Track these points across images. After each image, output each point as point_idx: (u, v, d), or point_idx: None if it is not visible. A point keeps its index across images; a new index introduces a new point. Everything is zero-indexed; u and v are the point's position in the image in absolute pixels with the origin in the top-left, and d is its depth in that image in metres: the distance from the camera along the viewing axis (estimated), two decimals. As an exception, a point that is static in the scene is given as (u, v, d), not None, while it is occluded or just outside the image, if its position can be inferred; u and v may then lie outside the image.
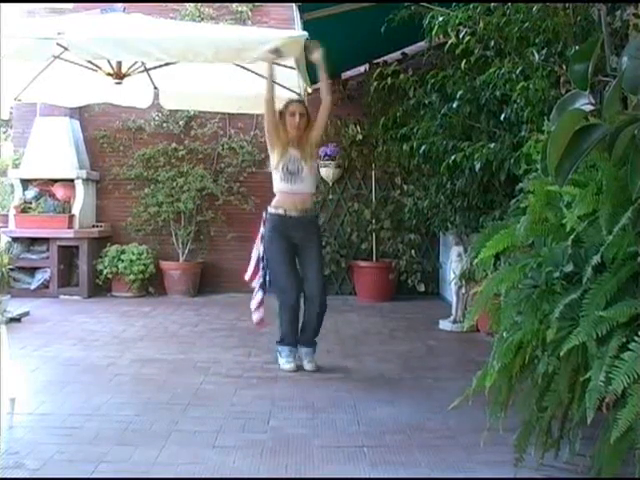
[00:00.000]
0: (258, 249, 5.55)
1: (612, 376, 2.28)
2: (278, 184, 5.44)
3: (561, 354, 2.52)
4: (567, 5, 4.31)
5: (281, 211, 5.37)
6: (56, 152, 9.28)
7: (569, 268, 2.67)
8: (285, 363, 5.46)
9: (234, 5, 9.83)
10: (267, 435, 3.90)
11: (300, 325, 5.53)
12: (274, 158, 5.46)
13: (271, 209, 5.43)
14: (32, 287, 9.12)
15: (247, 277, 5.63)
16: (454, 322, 7.18)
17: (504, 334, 2.90)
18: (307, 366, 5.47)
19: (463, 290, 7.13)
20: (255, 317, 5.60)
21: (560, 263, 2.71)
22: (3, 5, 7.45)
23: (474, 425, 3.70)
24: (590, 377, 2.37)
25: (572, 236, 2.67)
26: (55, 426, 3.99)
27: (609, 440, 2.31)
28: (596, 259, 2.51)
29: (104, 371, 5.29)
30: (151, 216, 9.63)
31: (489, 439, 3.21)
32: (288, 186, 5.38)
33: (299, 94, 6.84)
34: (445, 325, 7.25)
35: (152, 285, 9.48)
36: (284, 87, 6.91)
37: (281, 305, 5.47)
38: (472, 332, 6.44)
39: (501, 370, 2.87)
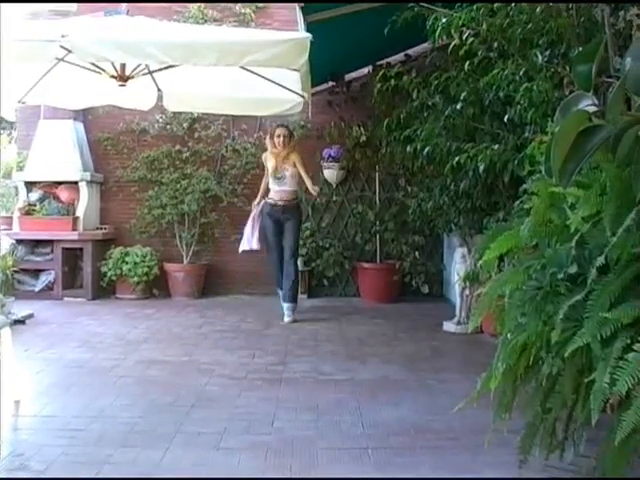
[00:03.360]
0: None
1: (616, 377, 2.28)
2: (271, 184, 7.94)
3: (565, 355, 2.51)
4: (570, 6, 4.31)
5: (271, 201, 7.90)
6: (60, 154, 9.29)
7: (573, 269, 2.67)
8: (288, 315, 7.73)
9: (237, 7, 9.83)
10: (271, 437, 3.90)
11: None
12: (267, 169, 8.01)
13: (267, 199, 7.96)
14: (36, 289, 9.13)
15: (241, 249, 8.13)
16: (458, 323, 7.18)
17: (508, 335, 2.90)
18: (285, 319, 7.66)
19: (467, 291, 7.13)
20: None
21: (564, 264, 2.71)
22: (6, 7, 7.45)
23: (478, 427, 3.70)
24: (594, 378, 2.37)
25: (576, 237, 2.66)
26: (59, 428, 4.00)
27: (614, 442, 2.30)
28: (600, 260, 2.50)
29: (108, 373, 5.30)
30: (155, 218, 9.64)
31: (493, 441, 3.21)
32: (276, 186, 7.87)
33: (302, 96, 6.85)
34: (449, 326, 7.24)
35: (156, 287, 9.49)
36: (288, 89, 6.93)
37: (269, 260, 8.23)
38: (476, 334, 6.43)
39: (506, 372, 2.87)
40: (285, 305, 7.78)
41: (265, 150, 8.07)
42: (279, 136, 7.81)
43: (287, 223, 7.88)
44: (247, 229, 8.05)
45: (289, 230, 7.89)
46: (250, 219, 8.09)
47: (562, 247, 2.78)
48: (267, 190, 8.03)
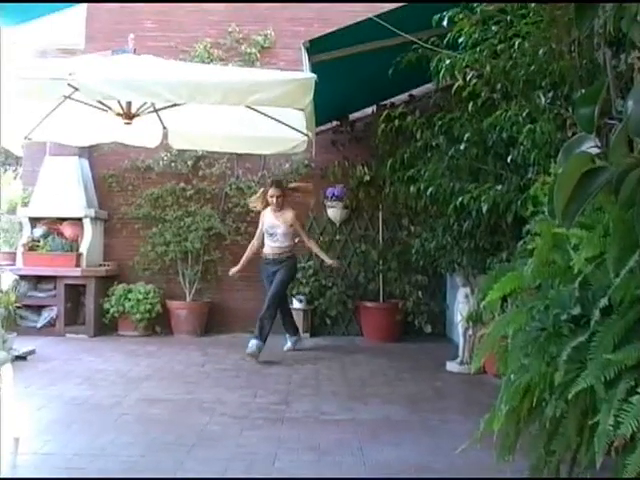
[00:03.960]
0: None
1: (621, 420, 2.26)
2: (266, 239, 8.11)
3: (569, 397, 2.50)
4: (572, 48, 4.35)
5: (264, 255, 8.12)
6: (65, 191, 9.33)
7: (576, 311, 2.66)
8: (255, 349, 7.53)
9: (243, 47, 9.93)
10: (273, 477, 3.87)
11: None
12: (262, 224, 8.16)
13: (262, 254, 8.17)
14: (38, 325, 9.11)
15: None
16: (461, 364, 7.14)
17: (511, 376, 2.89)
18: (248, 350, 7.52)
19: (470, 332, 7.10)
20: None
21: (567, 305, 2.71)
22: (15, 44, 7.54)
23: (481, 468, 3.67)
24: (598, 421, 2.35)
25: (579, 278, 2.66)
26: (60, 466, 3.97)
27: (618, 485, 2.29)
28: (603, 302, 2.50)
29: (110, 410, 5.27)
30: (158, 255, 9.64)
31: (497, 483, 3.19)
32: (270, 242, 8.07)
33: (306, 135, 6.89)
34: (452, 367, 7.21)
35: (159, 324, 9.46)
36: (292, 128, 6.97)
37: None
38: (479, 374, 6.40)
39: (509, 413, 2.85)
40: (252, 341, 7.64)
41: (266, 205, 8.16)
42: (272, 197, 8.01)
43: (277, 273, 8.01)
44: None
45: (277, 276, 7.99)
46: None
47: (565, 288, 2.78)
48: (256, 252, 8.25)
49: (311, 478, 3.33)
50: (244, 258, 8.29)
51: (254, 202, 8.37)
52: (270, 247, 8.07)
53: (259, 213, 8.20)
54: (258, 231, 8.25)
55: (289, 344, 8.33)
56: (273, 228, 8.02)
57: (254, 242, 8.29)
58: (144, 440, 4.52)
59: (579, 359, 2.54)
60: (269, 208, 8.10)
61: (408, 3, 6.26)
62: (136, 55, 7.17)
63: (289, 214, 8.03)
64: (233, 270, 8.34)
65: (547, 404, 2.75)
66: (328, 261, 8.34)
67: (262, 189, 8.44)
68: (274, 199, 7.98)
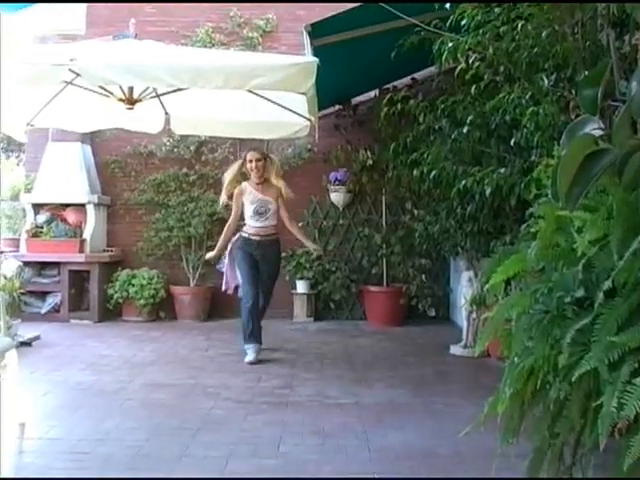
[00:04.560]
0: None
1: (624, 401, 2.26)
2: (248, 220, 6.88)
3: (573, 380, 2.50)
4: (576, 30, 4.32)
5: (246, 234, 6.87)
6: (68, 177, 9.33)
7: (580, 293, 2.66)
8: (253, 355, 6.61)
9: (244, 31, 9.90)
10: (277, 461, 3.88)
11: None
12: (243, 204, 6.92)
13: (242, 232, 6.93)
14: (43, 311, 9.14)
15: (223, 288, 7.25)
16: (465, 347, 7.15)
17: (515, 359, 2.88)
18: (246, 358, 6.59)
19: (474, 315, 7.10)
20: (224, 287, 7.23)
21: (571, 288, 2.70)
22: (15, 30, 7.52)
23: (485, 451, 3.67)
24: (602, 403, 2.35)
25: (583, 261, 2.65)
26: (65, 451, 3.99)
27: (622, 467, 2.28)
28: (607, 284, 2.49)
29: (114, 396, 5.29)
30: (162, 241, 9.66)
31: (501, 465, 3.19)
32: (255, 222, 6.82)
33: (309, 119, 6.86)
34: (456, 350, 7.22)
35: (163, 310, 9.49)
36: (295, 112, 6.95)
37: (243, 306, 6.80)
38: (483, 357, 6.40)
39: (513, 396, 2.85)
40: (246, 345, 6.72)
41: (238, 182, 6.99)
42: (251, 161, 6.81)
43: (265, 263, 6.86)
44: (227, 270, 7.15)
45: (266, 268, 6.90)
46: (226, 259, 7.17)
47: (569, 271, 2.77)
48: (231, 237, 7.05)
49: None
50: (221, 242, 7.10)
51: (229, 185, 6.93)
52: (255, 228, 6.79)
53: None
54: (233, 215, 6.97)
55: (253, 354, 6.66)
56: (263, 205, 6.78)
57: (231, 225, 7.01)
58: (149, 425, 4.54)
59: (583, 341, 2.54)
60: (248, 182, 6.89)
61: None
62: (137, 40, 7.15)
63: (280, 183, 6.88)
64: (209, 255, 7.24)
65: (551, 387, 2.74)
66: (311, 246, 7.34)
67: (237, 162, 7.16)
68: (253, 164, 6.78)
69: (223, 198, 7.05)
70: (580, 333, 2.54)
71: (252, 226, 6.81)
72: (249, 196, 6.81)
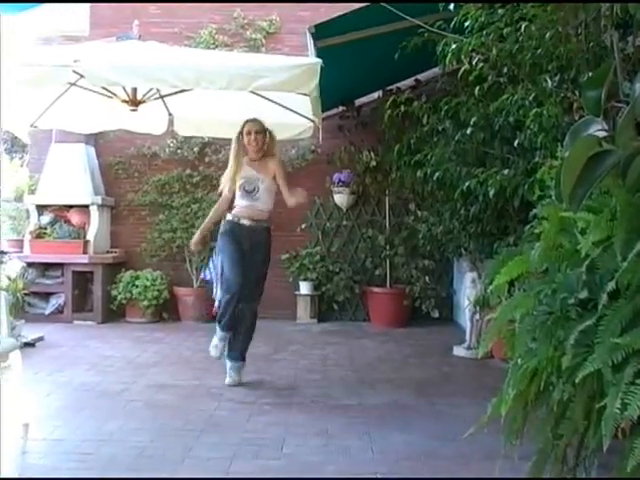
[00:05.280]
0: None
1: (628, 402, 2.26)
2: (238, 199, 5.84)
3: (576, 381, 2.50)
4: (579, 31, 4.32)
5: (235, 218, 5.79)
6: (71, 178, 9.36)
7: (584, 294, 2.66)
8: (213, 348, 5.80)
9: (248, 33, 9.92)
10: (281, 462, 3.89)
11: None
12: (234, 181, 5.87)
13: (228, 216, 5.85)
14: (46, 312, 9.15)
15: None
16: (468, 348, 7.15)
17: (519, 361, 2.88)
18: (227, 380, 5.78)
19: (477, 316, 7.10)
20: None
21: (575, 289, 2.70)
22: (18, 30, 7.53)
23: (488, 452, 3.67)
24: (606, 404, 2.35)
25: (587, 262, 2.66)
26: (69, 452, 3.99)
27: (626, 468, 2.28)
28: (611, 285, 2.49)
29: (118, 396, 5.30)
30: (165, 242, 9.67)
31: (504, 467, 3.19)
32: (244, 201, 5.80)
33: (312, 120, 6.86)
34: (459, 351, 7.22)
35: (166, 311, 9.50)
36: (298, 113, 6.94)
37: (222, 297, 5.74)
38: (487, 358, 6.40)
39: (516, 397, 2.85)
40: (230, 364, 5.86)
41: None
42: (249, 133, 5.88)
43: (253, 255, 5.76)
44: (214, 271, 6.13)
45: (255, 269, 5.77)
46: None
47: (572, 272, 2.77)
48: (216, 222, 6.07)
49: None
50: (205, 223, 6.20)
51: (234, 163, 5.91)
52: (245, 208, 5.77)
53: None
54: (225, 193, 5.99)
55: (234, 375, 5.82)
56: (252, 182, 5.77)
57: (221, 205, 6.02)
58: (152, 426, 4.54)
59: (586, 343, 2.54)
60: (245, 158, 5.91)
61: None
62: (141, 41, 7.15)
63: (274, 160, 5.94)
64: (193, 240, 6.24)
65: (554, 388, 2.74)
66: (287, 196, 5.77)
67: (233, 140, 6.05)
68: (252, 136, 5.86)
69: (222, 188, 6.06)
70: (584, 334, 2.54)
71: (240, 206, 5.78)
72: (241, 172, 5.86)
